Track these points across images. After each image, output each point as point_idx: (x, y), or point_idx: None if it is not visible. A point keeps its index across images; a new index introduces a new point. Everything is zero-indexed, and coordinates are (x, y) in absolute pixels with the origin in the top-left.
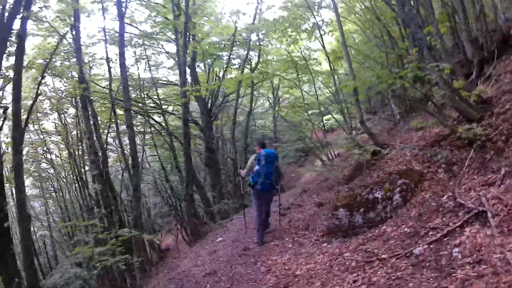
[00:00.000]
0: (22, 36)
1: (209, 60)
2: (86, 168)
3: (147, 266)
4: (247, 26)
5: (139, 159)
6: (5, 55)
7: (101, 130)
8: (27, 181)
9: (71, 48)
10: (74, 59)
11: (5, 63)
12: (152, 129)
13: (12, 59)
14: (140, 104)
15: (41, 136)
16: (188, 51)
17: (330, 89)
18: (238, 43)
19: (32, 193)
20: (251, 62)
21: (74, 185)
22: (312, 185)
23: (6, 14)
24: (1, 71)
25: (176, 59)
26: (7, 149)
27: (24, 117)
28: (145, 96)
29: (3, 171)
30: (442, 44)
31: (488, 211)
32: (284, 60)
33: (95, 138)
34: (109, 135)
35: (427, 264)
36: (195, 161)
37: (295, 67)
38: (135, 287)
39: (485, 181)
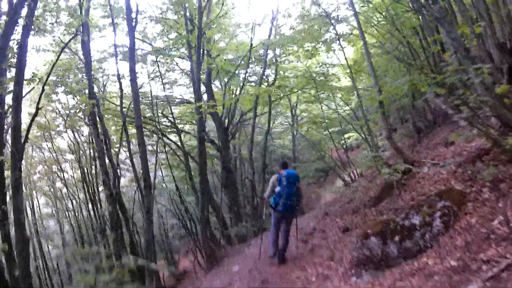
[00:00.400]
0: (23, 46)
1: (225, 79)
2: (101, 188)
3: None
4: (263, 41)
5: (152, 179)
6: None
7: (113, 149)
8: (42, 199)
9: (83, 64)
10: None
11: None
12: (167, 148)
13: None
14: (155, 123)
15: (54, 154)
16: (203, 68)
17: (350, 106)
18: (253, 59)
19: (47, 212)
20: (268, 79)
21: (87, 206)
22: (334, 207)
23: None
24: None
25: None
26: None
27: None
28: (160, 114)
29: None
30: (479, 45)
31: None
32: (302, 75)
33: (106, 158)
34: (125, 154)
35: None
36: (212, 181)
37: (314, 82)
38: None
39: None
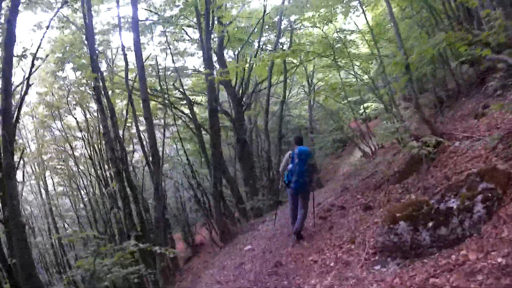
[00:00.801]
0: (11, 21)
1: (238, 48)
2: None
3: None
4: (277, 7)
5: (161, 153)
6: None
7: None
8: (56, 178)
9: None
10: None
11: None
12: (180, 121)
13: None
14: (164, 96)
15: (63, 133)
16: (214, 36)
17: (368, 75)
18: (267, 27)
19: (61, 190)
20: (282, 47)
21: (98, 184)
22: (354, 181)
23: None
24: None
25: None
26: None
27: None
28: (171, 85)
29: None
30: None
31: None
32: (319, 42)
33: (111, 134)
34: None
35: None
36: (229, 153)
37: (332, 49)
38: None
39: None
